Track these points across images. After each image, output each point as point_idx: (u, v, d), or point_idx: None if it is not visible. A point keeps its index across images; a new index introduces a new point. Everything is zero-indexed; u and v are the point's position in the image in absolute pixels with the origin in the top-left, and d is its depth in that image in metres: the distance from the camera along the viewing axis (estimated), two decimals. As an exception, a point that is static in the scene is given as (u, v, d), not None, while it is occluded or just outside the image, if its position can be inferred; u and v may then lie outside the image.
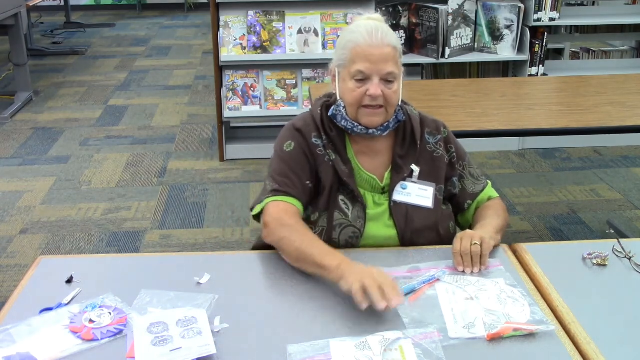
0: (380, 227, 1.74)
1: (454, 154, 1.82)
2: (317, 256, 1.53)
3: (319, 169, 1.73)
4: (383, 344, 1.29)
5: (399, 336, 1.32)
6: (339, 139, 1.75)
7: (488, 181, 1.90)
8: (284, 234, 1.62)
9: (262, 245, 1.82)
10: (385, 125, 1.72)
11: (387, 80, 1.66)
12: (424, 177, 1.77)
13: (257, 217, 1.74)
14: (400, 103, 1.74)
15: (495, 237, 1.68)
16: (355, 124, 1.71)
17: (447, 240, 1.74)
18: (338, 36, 4.05)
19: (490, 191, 1.87)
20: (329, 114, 1.75)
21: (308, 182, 1.72)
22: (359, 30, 1.67)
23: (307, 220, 1.73)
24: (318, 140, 1.74)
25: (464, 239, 1.60)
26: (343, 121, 1.72)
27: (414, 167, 1.76)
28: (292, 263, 1.60)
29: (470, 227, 1.79)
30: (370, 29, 1.66)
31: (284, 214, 1.66)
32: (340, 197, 1.72)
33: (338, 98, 1.73)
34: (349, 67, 1.67)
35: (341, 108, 1.72)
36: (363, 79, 1.66)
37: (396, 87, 1.69)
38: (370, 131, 1.71)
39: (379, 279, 1.41)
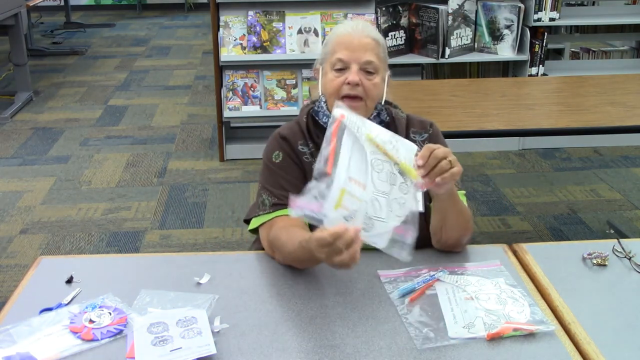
0: None
1: None
2: (296, 254, 1.50)
3: (307, 176, 1.69)
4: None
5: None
6: None
7: (463, 191, 1.77)
8: (281, 254, 1.58)
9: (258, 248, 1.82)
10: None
11: (366, 70, 1.64)
12: None
13: (253, 230, 1.72)
14: (383, 102, 1.71)
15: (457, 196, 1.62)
16: None
17: (424, 242, 1.66)
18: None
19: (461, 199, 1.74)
20: (312, 113, 1.73)
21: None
22: (342, 25, 1.72)
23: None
24: (304, 148, 1.71)
25: (437, 150, 1.47)
26: (324, 117, 1.70)
27: None
28: (297, 266, 1.57)
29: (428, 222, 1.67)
30: (353, 23, 1.69)
31: (270, 234, 1.63)
32: None
33: (320, 94, 1.72)
34: (329, 58, 1.68)
35: (322, 103, 1.70)
36: (343, 67, 1.65)
37: (377, 80, 1.66)
38: None
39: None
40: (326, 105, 1.70)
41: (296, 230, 1.56)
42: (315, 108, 1.73)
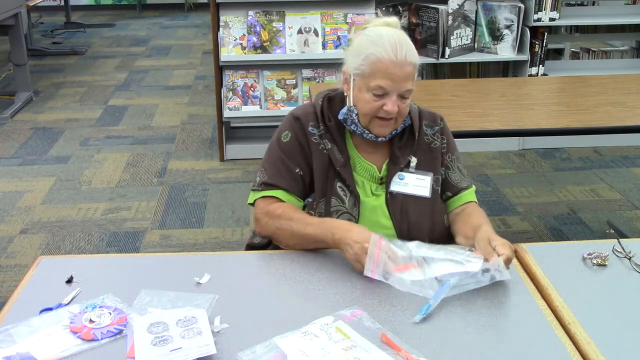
0: (378, 218, 1.75)
1: (445, 144, 1.83)
2: (312, 234, 1.63)
3: (312, 156, 1.75)
4: (325, 330, 1.33)
5: (329, 321, 1.37)
6: (337, 130, 1.76)
7: (473, 185, 1.87)
8: (275, 225, 1.68)
9: (255, 245, 1.85)
10: (392, 133, 1.75)
11: (403, 96, 1.66)
12: (421, 167, 1.78)
13: (252, 203, 1.80)
14: None
15: None
16: (366, 131, 1.72)
17: (439, 233, 1.76)
18: (339, 36, 4.06)
19: (472, 195, 1.84)
20: (340, 117, 1.75)
21: (298, 170, 1.74)
22: (382, 43, 1.62)
23: (309, 206, 1.76)
24: (314, 130, 1.76)
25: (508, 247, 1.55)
26: (353, 125, 1.73)
27: (411, 157, 1.77)
28: (292, 248, 1.67)
29: (449, 225, 1.81)
30: (394, 44, 1.62)
31: (270, 206, 1.71)
32: (338, 185, 1.74)
33: (351, 104, 1.72)
34: (367, 79, 1.65)
35: (354, 115, 1.71)
36: (382, 94, 1.65)
37: (409, 100, 1.69)
38: (380, 139, 1.73)
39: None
40: (357, 117, 1.72)
41: (295, 214, 1.68)
42: (345, 116, 1.73)
